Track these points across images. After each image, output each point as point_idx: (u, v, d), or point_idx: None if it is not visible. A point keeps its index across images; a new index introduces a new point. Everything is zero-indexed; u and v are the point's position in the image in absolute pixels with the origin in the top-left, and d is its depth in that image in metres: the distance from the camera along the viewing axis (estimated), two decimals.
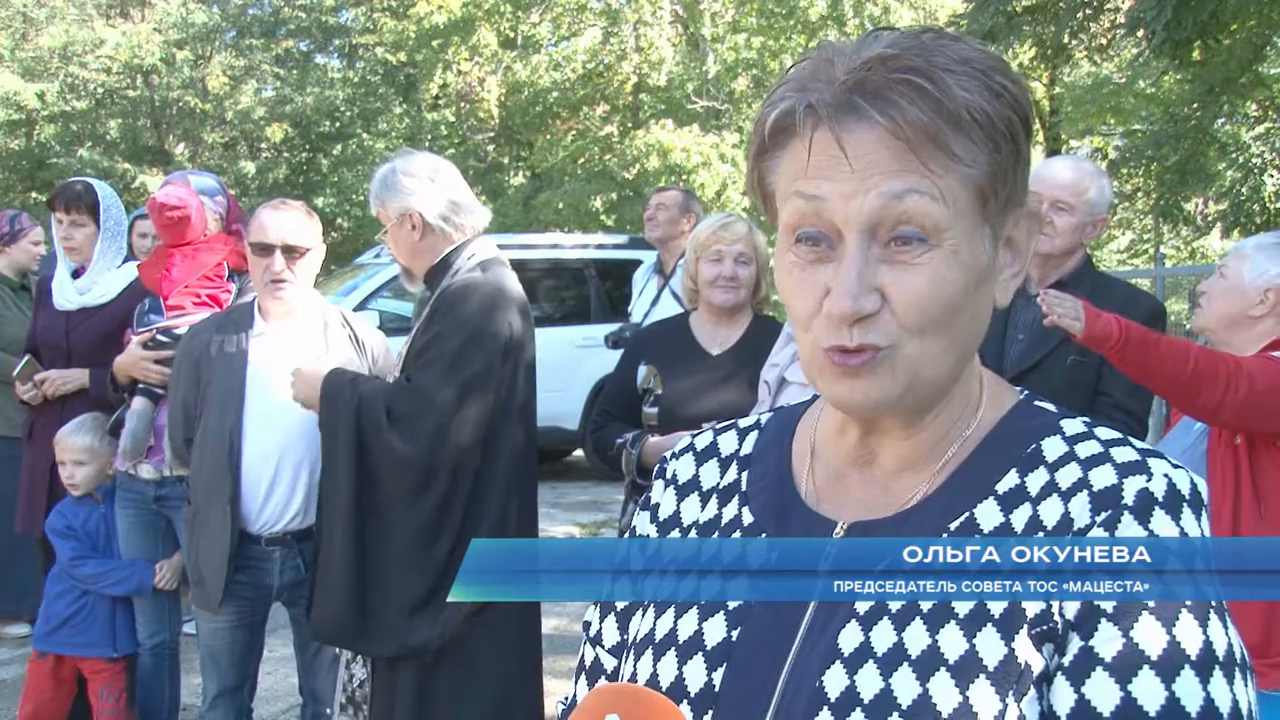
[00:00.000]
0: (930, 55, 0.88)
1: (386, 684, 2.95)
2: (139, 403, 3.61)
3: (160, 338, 3.61)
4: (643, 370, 3.44)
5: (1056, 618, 0.86)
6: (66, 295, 4.04)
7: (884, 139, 0.87)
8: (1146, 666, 0.83)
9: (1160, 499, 0.88)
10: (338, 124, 22.03)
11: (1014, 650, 0.86)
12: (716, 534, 1.04)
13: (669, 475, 1.11)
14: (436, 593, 2.84)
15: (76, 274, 4.06)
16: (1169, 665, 0.83)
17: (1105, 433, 0.95)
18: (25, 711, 3.73)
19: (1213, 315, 2.74)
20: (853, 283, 0.88)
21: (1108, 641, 0.85)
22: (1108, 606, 0.85)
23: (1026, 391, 1.02)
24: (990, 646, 0.86)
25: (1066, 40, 9.07)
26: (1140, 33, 7.53)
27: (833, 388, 0.92)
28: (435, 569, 2.85)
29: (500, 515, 2.94)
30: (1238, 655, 0.86)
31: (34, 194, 20.83)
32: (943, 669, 0.86)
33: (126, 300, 3.88)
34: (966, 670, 0.86)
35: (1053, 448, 0.94)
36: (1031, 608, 0.87)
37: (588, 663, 1.10)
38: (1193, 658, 0.83)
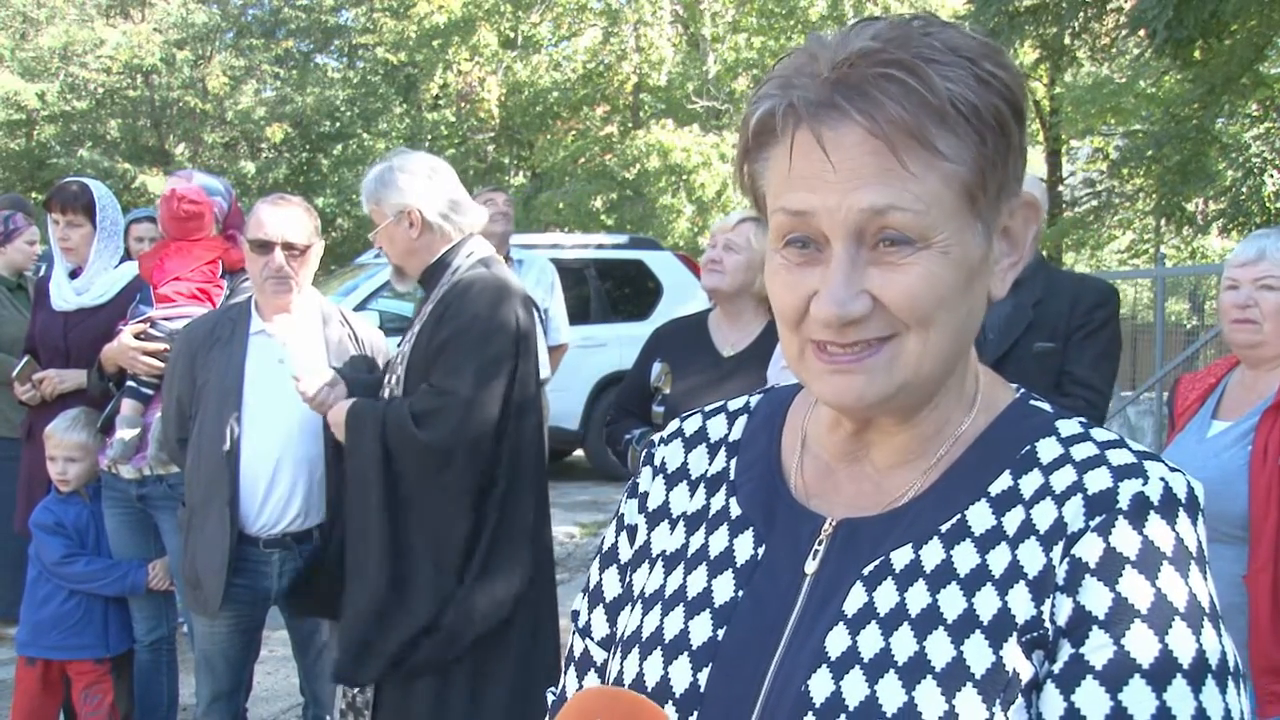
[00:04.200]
0: (915, 46, 0.86)
1: (398, 703, 2.94)
2: (128, 407, 3.59)
3: (151, 330, 3.59)
4: (657, 368, 3.46)
5: (1047, 624, 0.85)
6: (64, 295, 4.02)
7: (865, 139, 0.85)
8: (1138, 675, 0.82)
9: (1156, 503, 0.86)
10: (338, 124, 22.03)
11: (1002, 658, 0.85)
12: (704, 525, 1.02)
13: (657, 462, 1.09)
14: (465, 568, 2.85)
15: (74, 274, 4.05)
16: (1160, 674, 0.82)
17: (1101, 434, 0.93)
18: None
19: (1275, 330, 2.65)
20: (840, 287, 0.87)
21: (1099, 649, 0.83)
22: (1099, 613, 0.84)
23: (1023, 390, 1.00)
24: (978, 654, 0.85)
25: (1068, 41, 9.06)
26: (1141, 32, 7.52)
27: (823, 385, 0.91)
28: (458, 549, 2.85)
29: (516, 503, 2.94)
30: (1231, 664, 0.84)
31: (34, 194, 20.78)
32: (929, 677, 0.85)
33: (124, 300, 3.86)
34: (953, 678, 0.84)
35: (1047, 449, 0.93)
36: (1021, 614, 0.86)
37: (576, 654, 1.09)
38: (1185, 666, 0.82)
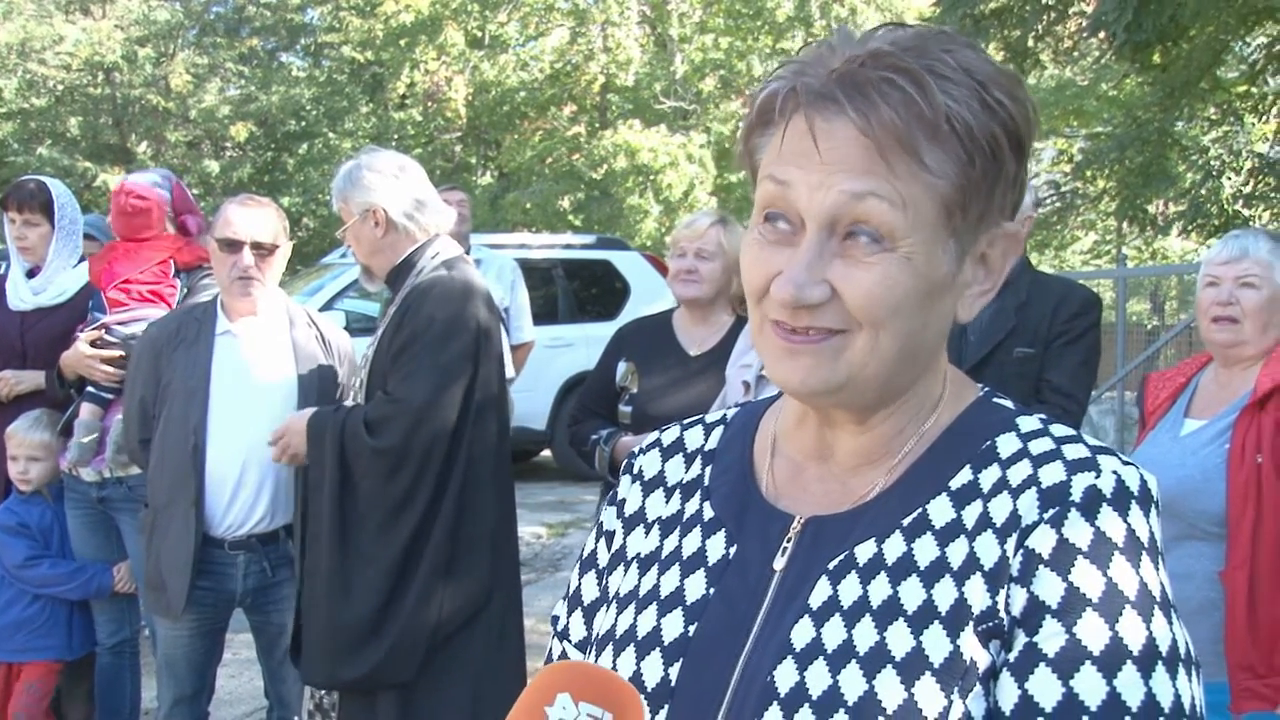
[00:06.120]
0: (928, 58, 0.88)
1: (363, 704, 2.92)
2: (86, 411, 3.56)
3: (107, 336, 3.56)
4: (622, 367, 3.45)
5: (1002, 614, 0.87)
6: (21, 295, 3.96)
7: (856, 137, 0.87)
8: (1088, 662, 0.84)
9: (1108, 495, 0.88)
10: (303, 123, 21.84)
11: (959, 647, 0.87)
12: (679, 529, 1.05)
13: (635, 470, 1.13)
14: (420, 572, 2.84)
15: (31, 273, 3.99)
16: (1111, 661, 0.84)
17: (1059, 430, 0.95)
18: None
19: (1254, 329, 2.64)
20: (800, 271, 0.89)
21: (1051, 637, 0.85)
22: (1052, 603, 0.86)
23: (986, 389, 1.03)
24: (937, 644, 0.87)
25: (1031, 43, 9.15)
26: (1101, 35, 7.61)
27: (775, 364, 0.94)
28: (397, 552, 2.84)
29: (476, 505, 2.94)
30: (1182, 650, 0.86)
31: None
32: (889, 666, 0.87)
33: (83, 300, 3.81)
34: (912, 668, 0.87)
35: (1007, 444, 0.95)
36: (978, 605, 0.88)
37: (555, 657, 1.11)
38: (1135, 653, 0.84)
